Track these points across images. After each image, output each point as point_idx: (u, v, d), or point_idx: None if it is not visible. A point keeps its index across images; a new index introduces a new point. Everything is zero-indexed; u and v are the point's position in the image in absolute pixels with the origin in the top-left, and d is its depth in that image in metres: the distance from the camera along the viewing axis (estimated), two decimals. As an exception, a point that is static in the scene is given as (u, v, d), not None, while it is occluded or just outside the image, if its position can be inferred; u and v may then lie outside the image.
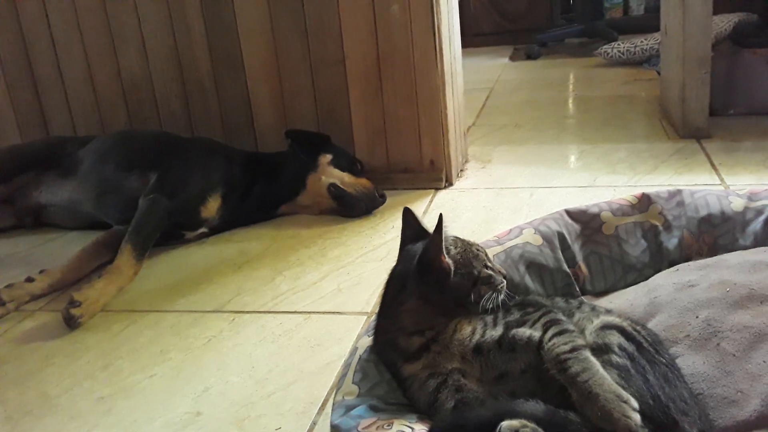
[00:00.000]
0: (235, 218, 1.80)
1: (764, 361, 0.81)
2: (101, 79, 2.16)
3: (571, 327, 0.80)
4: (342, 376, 0.91)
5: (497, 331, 0.82)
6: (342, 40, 1.94)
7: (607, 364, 0.78)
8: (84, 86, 2.17)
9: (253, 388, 1.09)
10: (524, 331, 0.81)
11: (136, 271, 1.51)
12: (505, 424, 0.71)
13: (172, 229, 1.69)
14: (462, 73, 2.15)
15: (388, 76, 1.92)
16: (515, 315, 0.85)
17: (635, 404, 0.70)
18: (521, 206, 1.76)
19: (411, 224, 0.97)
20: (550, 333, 0.79)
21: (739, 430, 0.76)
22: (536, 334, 0.80)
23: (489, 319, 0.85)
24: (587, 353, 0.75)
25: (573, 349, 0.75)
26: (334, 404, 0.86)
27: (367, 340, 0.94)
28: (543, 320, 0.82)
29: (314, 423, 0.99)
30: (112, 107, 2.17)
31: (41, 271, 1.51)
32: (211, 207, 1.74)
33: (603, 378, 0.72)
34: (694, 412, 0.77)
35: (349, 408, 0.83)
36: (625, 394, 0.70)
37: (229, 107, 2.08)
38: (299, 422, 0.99)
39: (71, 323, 1.33)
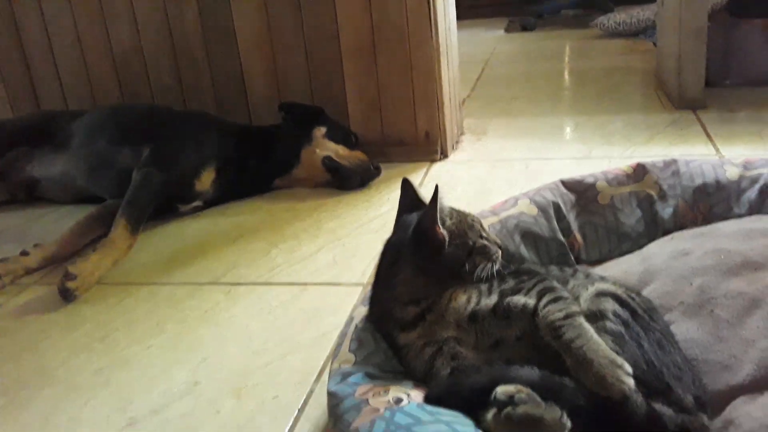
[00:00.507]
0: (229, 192, 1.80)
1: (758, 327, 0.81)
2: (92, 53, 2.13)
3: (565, 294, 0.81)
4: (338, 345, 0.92)
5: (492, 299, 0.83)
6: (335, 12, 1.91)
7: (602, 331, 0.79)
8: (75, 60, 2.15)
9: (250, 358, 1.10)
10: (519, 299, 0.81)
11: (131, 244, 1.50)
12: (500, 389, 0.71)
13: (167, 203, 1.69)
14: (457, 45, 2.13)
15: (382, 48, 1.91)
16: (510, 283, 0.86)
17: (629, 369, 0.70)
18: (517, 178, 1.75)
19: (409, 195, 0.96)
20: (544, 300, 0.79)
21: (733, 395, 0.77)
22: (531, 301, 0.80)
23: (484, 287, 0.86)
24: (581, 319, 0.75)
25: (567, 316, 0.76)
26: (330, 372, 0.86)
27: (363, 310, 0.94)
28: (537, 288, 0.82)
29: (311, 391, 1.00)
30: (103, 81, 2.15)
31: (35, 245, 1.50)
32: (205, 180, 1.73)
33: (597, 344, 0.72)
34: (688, 377, 0.78)
35: (346, 375, 0.84)
36: (619, 359, 0.71)
37: (221, 80, 2.07)
38: (296, 391, 1.00)
39: (67, 296, 1.33)
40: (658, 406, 0.72)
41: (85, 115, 1.88)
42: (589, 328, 0.75)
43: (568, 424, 0.67)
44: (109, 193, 1.72)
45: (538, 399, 0.70)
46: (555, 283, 0.84)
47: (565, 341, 0.73)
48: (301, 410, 0.96)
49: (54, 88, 2.19)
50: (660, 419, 0.71)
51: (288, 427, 0.93)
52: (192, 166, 1.71)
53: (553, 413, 0.68)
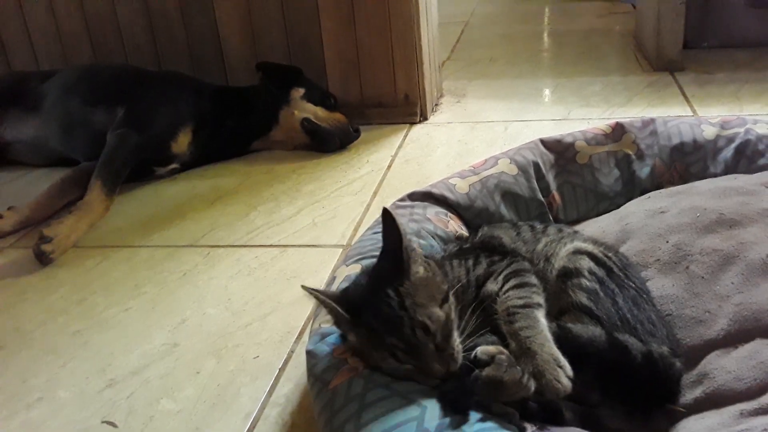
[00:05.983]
0: (206, 154, 1.77)
1: (732, 283, 0.83)
2: (63, 11, 2.07)
3: (533, 280, 0.79)
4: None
5: (470, 295, 0.81)
6: (312, -32, 1.87)
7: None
8: (46, 19, 2.08)
9: (230, 319, 1.10)
10: (490, 288, 0.80)
11: (107, 207, 1.48)
12: (480, 349, 0.71)
13: (143, 165, 1.66)
14: (436, 4, 2.10)
15: (360, 5, 1.87)
16: (483, 265, 0.84)
17: (570, 372, 0.69)
18: (496, 140, 1.75)
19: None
20: (508, 285, 0.78)
21: (707, 349, 0.78)
22: (496, 288, 0.79)
23: (461, 271, 0.84)
24: (538, 313, 0.74)
25: (525, 306, 0.75)
26: (311, 332, 0.86)
27: (346, 269, 0.94)
28: (506, 272, 0.81)
29: (292, 351, 1.00)
30: (75, 40, 2.09)
31: (9, 208, 1.48)
32: (182, 142, 1.70)
33: (546, 339, 0.71)
34: (662, 332, 0.79)
35: (325, 335, 0.84)
36: (563, 360, 0.69)
37: (196, 39, 2.02)
38: (277, 351, 1.00)
39: (43, 259, 1.31)
40: (623, 337, 0.74)
41: (56, 75, 1.83)
42: (543, 323, 0.73)
43: (531, 384, 0.67)
44: (84, 155, 1.68)
45: (503, 361, 0.70)
46: (525, 265, 0.83)
47: (515, 328, 0.72)
48: (281, 370, 0.97)
49: (24, 48, 2.12)
50: (624, 347, 0.72)
51: (268, 387, 0.93)
52: (168, 127, 1.68)
53: (514, 375, 0.68)
